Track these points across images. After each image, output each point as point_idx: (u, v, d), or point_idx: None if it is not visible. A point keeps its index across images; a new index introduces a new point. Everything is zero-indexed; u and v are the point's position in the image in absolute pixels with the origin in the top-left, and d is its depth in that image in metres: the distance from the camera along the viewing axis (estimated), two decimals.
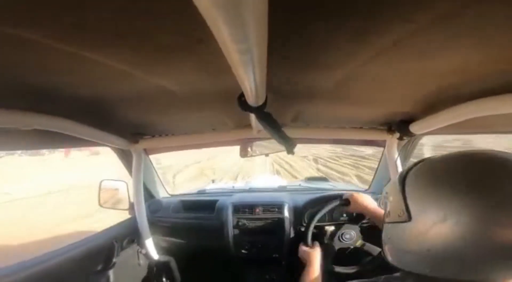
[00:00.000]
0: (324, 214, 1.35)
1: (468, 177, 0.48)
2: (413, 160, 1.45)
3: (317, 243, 1.21)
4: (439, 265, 0.47)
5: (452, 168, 0.51)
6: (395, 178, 0.59)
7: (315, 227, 1.35)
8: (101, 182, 1.55)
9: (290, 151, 1.03)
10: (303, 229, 1.39)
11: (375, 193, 1.63)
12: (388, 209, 0.61)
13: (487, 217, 0.43)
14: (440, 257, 0.46)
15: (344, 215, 1.46)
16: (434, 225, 0.47)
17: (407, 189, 0.54)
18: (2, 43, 0.39)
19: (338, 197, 1.29)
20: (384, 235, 0.62)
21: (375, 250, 1.26)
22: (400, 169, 1.35)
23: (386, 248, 0.60)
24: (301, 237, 1.34)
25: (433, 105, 0.79)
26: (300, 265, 1.16)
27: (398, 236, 0.55)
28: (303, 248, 1.18)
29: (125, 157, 1.50)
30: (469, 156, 0.52)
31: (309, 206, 1.49)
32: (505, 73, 0.52)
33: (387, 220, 0.60)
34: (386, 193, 0.62)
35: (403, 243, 0.54)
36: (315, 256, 1.10)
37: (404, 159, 1.42)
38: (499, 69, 0.51)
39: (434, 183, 0.50)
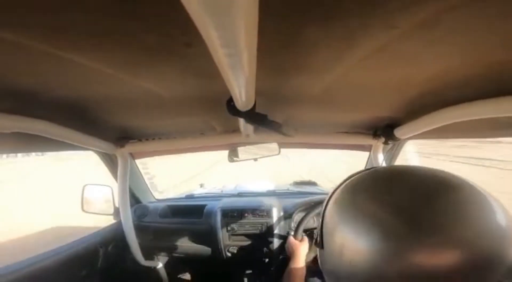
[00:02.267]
0: (313, 219, 1.36)
1: (372, 202, 0.42)
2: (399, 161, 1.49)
3: (306, 238, 1.21)
4: None
5: (360, 190, 0.47)
6: (330, 192, 0.55)
7: (304, 231, 1.35)
8: (84, 186, 1.51)
9: (285, 141, 1.01)
10: (292, 233, 1.40)
11: None
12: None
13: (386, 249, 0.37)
14: None
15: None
16: (337, 256, 0.44)
17: (326, 211, 0.51)
18: None
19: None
20: None
21: None
22: None
23: None
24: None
25: (417, 110, 0.81)
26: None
27: (320, 261, 0.53)
28: (291, 239, 1.17)
29: (110, 161, 1.46)
30: (388, 176, 0.47)
31: (298, 210, 1.50)
32: (487, 78, 0.54)
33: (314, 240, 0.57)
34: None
35: (323, 271, 0.52)
36: (301, 249, 1.10)
37: (389, 163, 1.46)
38: (481, 74, 0.53)
39: (342, 206, 0.46)
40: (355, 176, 0.52)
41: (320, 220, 0.52)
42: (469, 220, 0.36)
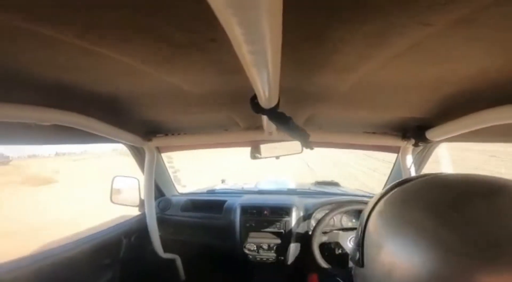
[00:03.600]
0: (333, 220, 1.34)
1: (434, 211, 0.36)
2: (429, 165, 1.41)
3: None
4: None
5: (415, 199, 0.40)
6: (370, 203, 0.49)
7: (323, 231, 1.33)
8: (113, 178, 1.59)
9: (307, 146, 1.02)
10: (310, 233, 1.38)
11: None
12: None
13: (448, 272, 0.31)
14: None
15: (353, 220, 1.44)
16: (383, 278, 0.38)
17: (368, 225, 0.44)
18: (23, 40, 0.41)
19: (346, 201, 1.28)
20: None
21: None
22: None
23: None
24: (308, 241, 1.33)
25: (451, 111, 0.76)
26: (306, 268, 1.14)
27: (357, 278, 0.47)
28: None
29: (138, 154, 1.53)
30: (444, 182, 0.41)
31: (318, 210, 1.47)
32: None
33: (350, 254, 0.50)
34: (361, 217, 0.50)
35: None
36: None
37: (418, 166, 1.39)
38: None
39: (390, 221, 0.40)
40: (404, 186, 0.45)
41: (360, 235, 0.46)
42: None
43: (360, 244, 0.45)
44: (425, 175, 0.46)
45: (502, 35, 0.38)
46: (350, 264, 0.50)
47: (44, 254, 0.99)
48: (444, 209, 0.36)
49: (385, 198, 0.45)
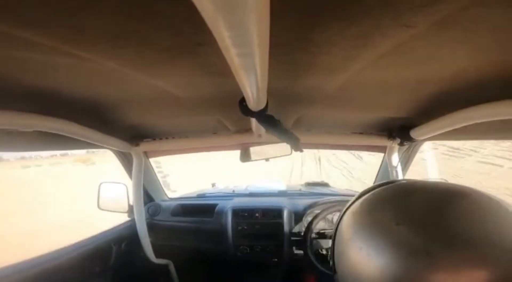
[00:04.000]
0: (324, 220, 1.35)
1: (393, 214, 0.39)
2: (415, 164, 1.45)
3: None
4: None
5: (380, 211, 0.42)
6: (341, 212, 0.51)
7: (315, 232, 1.34)
8: (100, 184, 1.55)
9: (296, 149, 1.03)
10: (302, 234, 1.39)
11: None
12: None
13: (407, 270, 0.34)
14: None
15: None
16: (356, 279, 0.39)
17: (337, 234, 0.46)
18: (4, 44, 0.39)
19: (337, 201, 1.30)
20: None
21: None
22: (400, 175, 1.35)
23: None
24: (300, 242, 1.33)
25: (434, 110, 0.78)
26: (300, 270, 1.15)
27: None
28: None
29: (125, 160, 1.50)
30: (405, 188, 0.44)
31: (309, 211, 1.48)
32: (506, 78, 0.52)
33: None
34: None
35: None
36: None
37: (404, 165, 1.42)
38: (500, 75, 0.51)
39: (354, 229, 0.42)
40: (371, 192, 0.48)
41: (332, 241, 0.47)
42: (496, 236, 0.33)
43: (332, 250, 0.46)
44: (390, 182, 0.49)
45: (480, 35, 0.39)
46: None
47: (29, 262, 0.95)
48: (401, 211, 0.38)
49: (352, 206, 0.47)
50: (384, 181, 0.51)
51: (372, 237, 0.38)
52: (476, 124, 0.66)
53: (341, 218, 0.48)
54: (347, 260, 0.42)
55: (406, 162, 1.42)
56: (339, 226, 0.47)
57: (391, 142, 1.23)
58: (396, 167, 1.34)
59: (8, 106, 0.60)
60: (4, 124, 0.60)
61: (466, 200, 0.37)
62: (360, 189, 0.53)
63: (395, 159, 1.34)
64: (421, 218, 0.36)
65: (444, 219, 0.35)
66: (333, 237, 0.48)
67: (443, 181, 1.39)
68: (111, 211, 1.53)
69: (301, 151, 1.08)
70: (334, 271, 0.45)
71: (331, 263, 0.47)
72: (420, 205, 0.38)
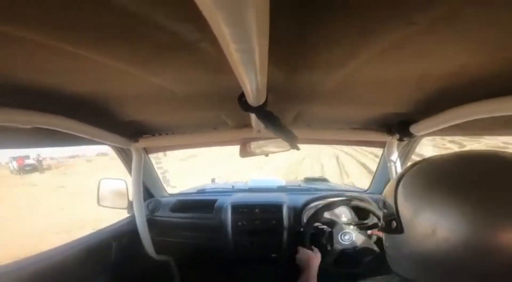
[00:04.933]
0: (323, 215, 1.36)
1: (463, 179, 0.43)
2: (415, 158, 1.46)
3: (316, 248, 1.20)
4: (437, 276, 0.45)
5: (446, 170, 0.47)
6: (392, 182, 0.56)
7: (314, 228, 1.35)
8: (100, 180, 1.55)
9: (294, 146, 1.03)
10: (302, 229, 1.39)
11: (374, 194, 1.64)
12: (383, 216, 0.58)
13: (484, 223, 0.39)
14: (438, 268, 0.44)
15: (343, 215, 1.47)
16: (427, 237, 0.44)
17: (399, 197, 0.51)
18: (1, 41, 0.39)
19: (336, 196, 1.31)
20: (384, 241, 0.60)
21: (374, 250, 1.26)
22: (400, 170, 1.36)
23: (386, 255, 0.59)
24: (299, 238, 1.34)
25: (433, 106, 0.79)
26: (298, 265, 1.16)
27: (393, 246, 0.53)
28: (304, 250, 1.16)
29: (125, 156, 1.50)
30: (468, 157, 0.48)
31: (308, 206, 1.49)
32: (506, 75, 0.52)
33: (383, 227, 0.58)
34: (384, 197, 0.59)
35: (399, 253, 0.52)
36: (315, 260, 1.08)
37: (403, 160, 1.43)
38: (500, 71, 0.51)
39: (425, 189, 0.46)
40: (428, 161, 0.52)
41: (394, 206, 0.51)
42: None
43: (395, 213, 0.51)
44: (430, 158, 0.53)
45: (481, 31, 0.39)
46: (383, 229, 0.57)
47: (30, 259, 0.95)
48: (473, 175, 0.43)
49: (409, 172, 0.52)
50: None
51: (443, 197, 0.43)
52: (476, 120, 0.66)
53: (399, 180, 0.53)
54: (416, 221, 0.46)
55: (405, 157, 1.43)
56: (399, 188, 0.51)
57: (390, 137, 1.23)
58: (395, 162, 1.35)
59: (6, 103, 0.60)
60: (3, 121, 0.60)
61: None
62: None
63: (394, 154, 1.35)
64: (495, 183, 0.41)
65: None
66: (394, 199, 0.52)
67: None
68: (110, 207, 1.53)
69: (298, 149, 1.09)
70: (401, 231, 0.49)
71: (394, 224, 0.51)
72: (494, 172, 0.42)
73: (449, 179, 0.45)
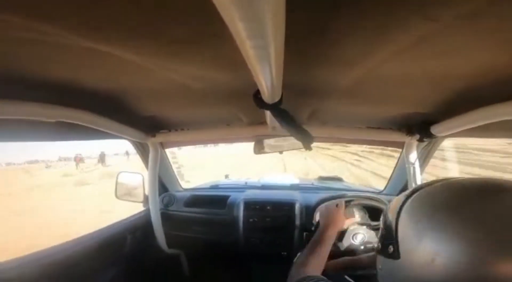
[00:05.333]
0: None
1: (467, 208, 0.42)
2: (434, 161, 1.40)
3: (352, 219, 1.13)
4: None
5: (451, 198, 0.45)
6: (395, 204, 0.53)
7: None
8: (118, 174, 1.60)
9: (307, 146, 1.02)
10: (313, 228, 1.38)
11: (390, 195, 1.59)
12: (380, 237, 0.56)
13: (486, 254, 0.37)
14: None
15: (357, 215, 1.44)
16: (425, 266, 0.42)
17: (400, 222, 0.49)
18: (26, 39, 0.41)
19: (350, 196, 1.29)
20: (377, 263, 0.57)
21: None
22: (418, 172, 1.31)
23: (379, 276, 0.56)
24: (311, 236, 1.33)
25: (457, 106, 0.76)
26: None
27: (388, 270, 0.51)
28: (337, 208, 1.07)
29: (142, 150, 1.54)
30: (479, 184, 0.45)
31: (321, 205, 1.47)
32: None
33: (379, 250, 0.55)
34: (385, 217, 0.55)
35: (392, 278, 0.50)
36: (342, 220, 1.01)
37: (423, 162, 1.38)
38: None
39: (430, 216, 0.44)
40: (435, 185, 0.50)
41: (394, 230, 0.49)
42: None
43: (394, 238, 0.49)
44: (442, 179, 0.51)
45: (508, 30, 0.37)
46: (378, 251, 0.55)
47: (48, 251, 1.00)
48: (483, 204, 0.42)
49: (414, 197, 0.50)
50: (434, 180, 0.52)
51: (445, 226, 0.41)
52: (500, 122, 0.64)
53: (402, 204, 0.50)
54: (416, 247, 0.44)
55: (424, 159, 1.38)
56: (401, 213, 0.50)
57: (410, 137, 1.19)
58: (414, 164, 1.30)
59: (32, 98, 0.63)
60: (29, 114, 0.63)
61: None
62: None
63: (413, 155, 1.30)
64: (493, 218, 0.39)
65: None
66: (395, 223, 0.50)
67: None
68: (127, 200, 1.58)
69: (310, 149, 1.06)
70: (397, 257, 0.48)
71: (392, 249, 0.49)
72: (493, 206, 0.41)
73: (453, 209, 0.43)
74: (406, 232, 0.47)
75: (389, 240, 0.50)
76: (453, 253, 0.39)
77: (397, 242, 0.48)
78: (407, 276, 0.45)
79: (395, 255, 0.48)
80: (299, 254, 0.82)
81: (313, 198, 1.54)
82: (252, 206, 1.53)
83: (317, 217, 1.43)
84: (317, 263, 0.83)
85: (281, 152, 1.50)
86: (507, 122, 0.63)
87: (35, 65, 0.52)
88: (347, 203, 1.30)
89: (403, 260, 0.46)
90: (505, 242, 0.37)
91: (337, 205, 1.11)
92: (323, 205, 1.12)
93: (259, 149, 1.48)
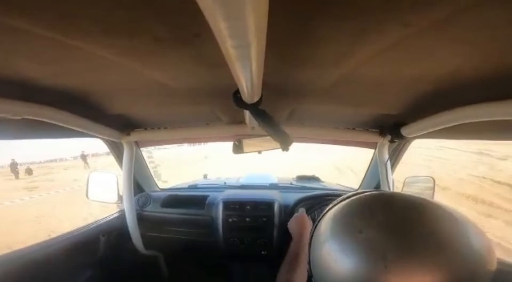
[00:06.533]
0: (313, 214, 1.37)
1: (355, 221, 0.43)
2: (405, 160, 1.48)
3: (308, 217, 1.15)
4: None
5: (347, 220, 0.45)
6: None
7: None
8: (89, 174, 1.53)
9: (285, 147, 1.03)
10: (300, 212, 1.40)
11: None
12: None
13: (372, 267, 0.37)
14: None
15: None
16: (326, 278, 0.43)
17: (312, 241, 0.50)
18: None
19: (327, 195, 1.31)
20: None
21: None
22: (390, 171, 1.37)
23: None
24: (289, 236, 1.35)
25: (426, 109, 0.79)
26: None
27: None
28: (298, 217, 1.10)
29: (116, 149, 1.48)
30: (373, 199, 0.47)
31: (299, 205, 1.50)
32: (498, 79, 0.52)
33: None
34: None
35: None
36: (308, 227, 1.01)
37: (394, 161, 1.45)
38: (492, 76, 0.52)
39: (327, 235, 0.45)
40: (346, 200, 0.51)
41: (308, 246, 0.51)
42: (446, 243, 0.37)
43: (308, 254, 0.50)
44: (371, 190, 0.53)
45: (479, 35, 0.39)
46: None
47: (17, 253, 0.94)
48: (371, 221, 0.41)
49: (328, 212, 0.51)
50: (364, 190, 0.54)
51: (338, 244, 0.42)
52: (468, 124, 0.67)
53: (317, 223, 0.51)
54: (318, 265, 0.45)
55: (395, 159, 1.45)
56: (316, 231, 0.50)
57: (382, 138, 1.25)
58: (385, 164, 1.36)
59: None
60: None
61: (424, 210, 0.41)
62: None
63: (385, 155, 1.36)
64: (381, 226, 0.40)
65: (402, 227, 0.39)
66: (309, 242, 0.51)
67: (430, 179, 1.42)
68: (100, 201, 1.51)
69: (287, 150, 1.07)
70: (311, 275, 0.48)
71: (308, 267, 0.50)
72: (383, 215, 0.41)
73: (348, 227, 0.44)
74: (316, 249, 0.48)
75: (308, 257, 0.52)
76: (347, 271, 0.39)
77: (309, 258, 0.50)
78: None
79: (310, 273, 0.50)
80: (281, 268, 0.81)
81: (292, 197, 1.57)
82: (231, 206, 1.52)
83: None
84: (301, 272, 0.82)
85: (259, 152, 1.51)
86: (473, 124, 0.67)
87: (1, 60, 0.49)
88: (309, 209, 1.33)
89: (315, 279, 0.48)
90: (392, 263, 0.36)
91: (298, 212, 1.14)
92: (290, 220, 1.13)
93: (238, 148, 1.48)
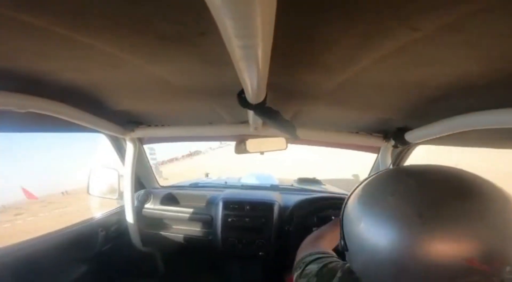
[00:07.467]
0: (313, 216, 1.36)
1: (395, 194, 0.44)
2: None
3: None
4: None
5: (380, 184, 0.48)
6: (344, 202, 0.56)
7: (303, 228, 1.35)
8: (90, 169, 1.53)
9: (292, 141, 1.02)
10: (290, 229, 1.39)
11: None
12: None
13: (413, 236, 0.38)
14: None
15: (332, 218, 1.47)
16: (366, 252, 0.44)
17: (344, 218, 0.52)
18: (0, 26, 0.38)
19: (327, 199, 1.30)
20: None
21: None
22: None
23: None
24: (287, 237, 1.34)
25: (431, 115, 0.78)
26: (285, 264, 1.15)
27: (351, 263, 0.53)
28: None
29: (119, 145, 1.48)
30: (398, 172, 0.49)
31: (299, 207, 1.49)
32: (505, 87, 0.52)
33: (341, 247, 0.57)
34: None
35: (355, 270, 0.52)
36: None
37: (397, 166, 1.43)
38: (499, 83, 0.51)
39: (360, 206, 0.47)
40: (371, 177, 0.53)
41: (341, 224, 0.52)
42: (481, 211, 0.38)
43: (341, 231, 0.52)
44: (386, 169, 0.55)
45: (487, 41, 0.39)
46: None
47: (15, 246, 0.94)
48: (400, 186, 0.44)
49: (352, 193, 0.53)
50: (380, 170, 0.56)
51: (372, 212, 0.44)
52: (473, 131, 0.66)
53: (346, 202, 0.54)
54: (354, 237, 0.47)
55: (397, 165, 1.43)
56: (345, 209, 0.53)
57: (386, 143, 1.24)
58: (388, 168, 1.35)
59: (2, 87, 0.59)
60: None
61: (457, 176, 0.43)
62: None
63: (388, 160, 1.35)
64: (411, 189, 0.42)
65: (435, 188, 0.41)
66: (341, 220, 0.53)
67: None
68: (100, 197, 1.52)
69: (298, 139, 1.06)
70: (346, 249, 0.50)
71: (342, 243, 0.52)
72: (413, 179, 0.44)
73: (379, 194, 0.46)
74: (348, 225, 0.50)
75: (341, 234, 0.54)
76: (385, 234, 0.41)
77: (343, 236, 0.52)
78: (358, 267, 0.48)
79: (345, 247, 0.51)
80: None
81: (292, 199, 1.56)
82: (231, 206, 1.52)
83: (294, 218, 1.45)
84: (332, 238, 0.86)
85: (262, 153, 1.50)
86: (477, 132, 0.66)
87: (8, 53, 0.49)
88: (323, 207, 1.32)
89: (351, 253, 0.49)
90: (427, 217, 0.38)
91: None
92: None
93: (241, 148, 1.48)
